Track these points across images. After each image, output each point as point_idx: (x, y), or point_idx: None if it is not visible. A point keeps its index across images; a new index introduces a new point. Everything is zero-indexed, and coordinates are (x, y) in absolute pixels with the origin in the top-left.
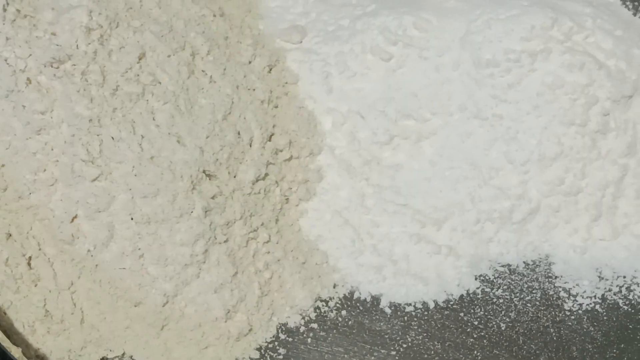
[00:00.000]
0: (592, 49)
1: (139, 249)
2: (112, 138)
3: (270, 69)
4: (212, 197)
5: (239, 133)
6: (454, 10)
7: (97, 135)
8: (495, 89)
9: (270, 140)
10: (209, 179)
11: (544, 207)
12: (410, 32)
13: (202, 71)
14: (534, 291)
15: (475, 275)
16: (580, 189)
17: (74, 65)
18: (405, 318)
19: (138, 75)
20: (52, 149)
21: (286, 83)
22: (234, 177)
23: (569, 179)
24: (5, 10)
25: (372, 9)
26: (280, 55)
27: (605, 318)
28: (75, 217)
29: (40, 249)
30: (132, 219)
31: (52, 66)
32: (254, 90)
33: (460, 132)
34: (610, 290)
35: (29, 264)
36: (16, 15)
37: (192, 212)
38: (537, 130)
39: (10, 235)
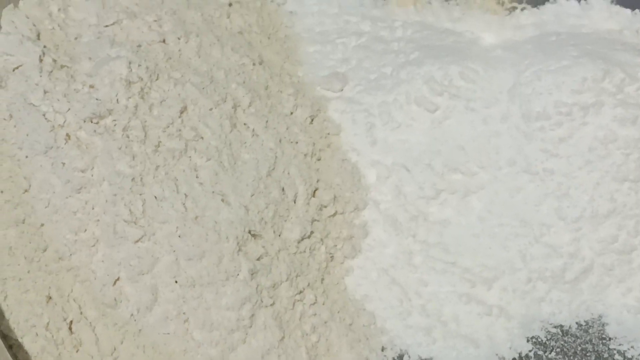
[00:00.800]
0: None
1: (184, 313)
2: (155, 197)
3: (312, 120)
4: (258, 259)
5: (283, 189)
6: (501, 60)
7: (140, 194)
8: (546, 143)
9: (314, 195)
10: (254, 239)
11: (597, 266)
12: (457, 82)
13: (244, 124)
14: (588, 354)
15: (527, 337)
16: (634, 247)
17: (115, 120)
18: None
19: (180, 130)
20: (93, 208)
21: (328, 134)
22: (279, 235)
23: (622, 237)
24: (41, 60)
25: (416, 57)
26: (321, 105)
27: None
28: (118, 279)
29: (81, 313)
30: (176, 281)
31: (92, 121)
32: (296, 143)
33: (509, 187)
34: None
35: (70, 328)
36: (53, 66)
37: (238, 274)
38: (589, 186)
39: (51, 298)
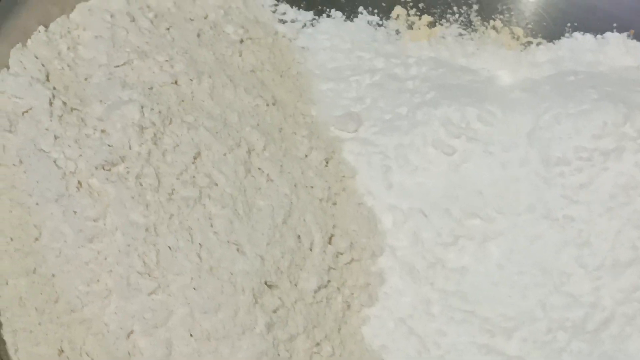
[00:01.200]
0: None
1: None
2: (170, 248)
3: (327, 162)
4: (275, 311)
5: (299, 237)
6: (519, 102)
7: (154, 244)
8: (566, 189)
9: (330, 242)
10: (271, 290)
11: (619, 316)
12: (474, 125)
13: (259, 169)
14: None
15: None
16: None
17: (128, 168)
18: None
19: (194, 177)
20: (106, 259)
21: (343, 177)
22: (295, 285)
23: None
24: (51, 104)
25: (432, 97)
26: (336, 146)
27: None
28: (131, 332)
29: None
30: (191, 335)
31: (104, 169)
32: (312, 187)
33: (528, 234)
34: None
35: None
36: (63, 110)
37: (254, 327)
38: (611, 233)
39: (63, 351)
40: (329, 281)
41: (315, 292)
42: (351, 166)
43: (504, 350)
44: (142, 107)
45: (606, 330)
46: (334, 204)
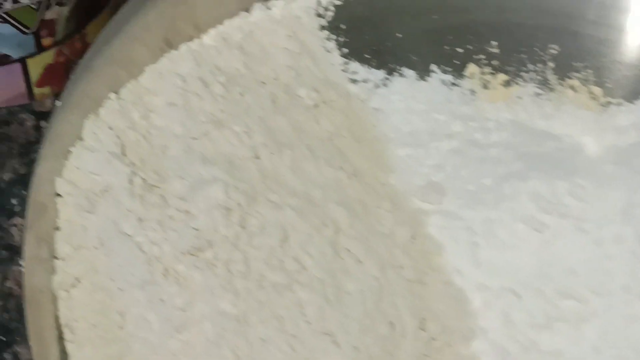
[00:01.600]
0: None
1: None
2: (261, 339)
3: (413, 239)
4: None
5: (391, 323)
6: (611, 176)
7: (244, 335)
8: None
9: (421, 327)
10: None
11: None
12: (566, 200)
13: (346, 249)
14: None
15: None
16: None
17: (215, 253)
18: None
19: (282, 261)
20: (195, 349)
21: (430, 254)
22: None
23: None
24: (131, 182)
25: (519, 168)
26: (420, 220)
27: None
28: None
29: None
30: None
31: (190, 254)
32: (401, 267)
33: (624, 315)
34: None
35: None
36: (144, 188)
37: None
38: None
39: None
40: None
41: None
42: (437, 242)
43: None
44: (226, 186)
45: None
46: (423, 284)
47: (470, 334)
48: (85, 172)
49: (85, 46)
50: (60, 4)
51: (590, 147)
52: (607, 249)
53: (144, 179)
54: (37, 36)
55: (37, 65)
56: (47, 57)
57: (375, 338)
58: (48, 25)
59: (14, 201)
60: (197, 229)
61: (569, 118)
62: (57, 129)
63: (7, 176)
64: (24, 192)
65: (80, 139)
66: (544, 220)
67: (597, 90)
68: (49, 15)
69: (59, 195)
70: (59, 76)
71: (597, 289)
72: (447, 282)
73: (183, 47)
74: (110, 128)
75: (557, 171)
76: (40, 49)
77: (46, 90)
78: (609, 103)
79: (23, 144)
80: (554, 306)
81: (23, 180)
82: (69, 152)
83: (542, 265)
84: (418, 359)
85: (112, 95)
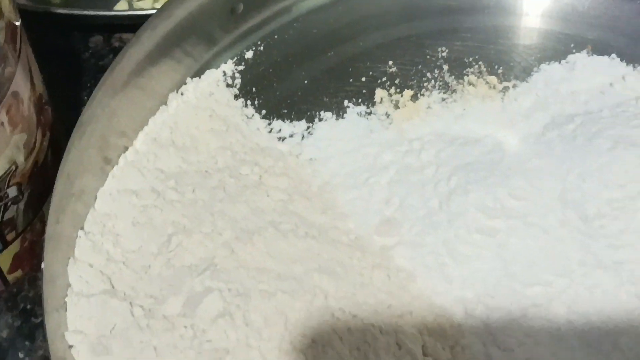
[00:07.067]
0: None
1: None
2: None
3: (389, 276)
4: None
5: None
6: (540, 169)
7: None
8: (609, 238)
9: (425, 354)
10: None
11: None
12: (508, 203)
13: (341, 310)
14: None
15: None
16: None
17: (234, 358)
18: None
19: (291, 342)
20: None
21: (406, 284)
22: None
23: None
24: (133, 315)
25: (456, 183)
26: (387, 256)
27: None
28: None
29: None
30: None
31: None
32: (389, 307)
33: (587, 286)
34: None
35: None
36: (147, 317)
37: None
38: None
39: None
40: None
41: None
42: (409, 271)
43: None
44: (220, 292)
45: None
46: (411, 313)
47: (461, 339)
48: (87, 318)
49: (44, 224)
50: (15, 202)
51: (510, 144)
52: (556, 233)
53: (141, 306)
54: (1, 235)
55: (6, 259)
56: (14, 248)
57: None
58: (9, 224)
59: (21, 354)
60: (210, 341)
61: (478, 113)
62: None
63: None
64: (26, 342)
65: (69, 285)
66: (495, 225)
67: (492, 79)
68: (8, 215)
69: (72, 346)
70: (27, 258)
71: (557, 270)
72: (429, 304)
73: (121, 160)
74: (91, 266)
75: (493, 178)
76: (5, 244)
77: (18, 274)
78: (506, 88)
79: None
80: (524, 296)
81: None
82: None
83: (505, 264)
84: None
85: (80, 233)
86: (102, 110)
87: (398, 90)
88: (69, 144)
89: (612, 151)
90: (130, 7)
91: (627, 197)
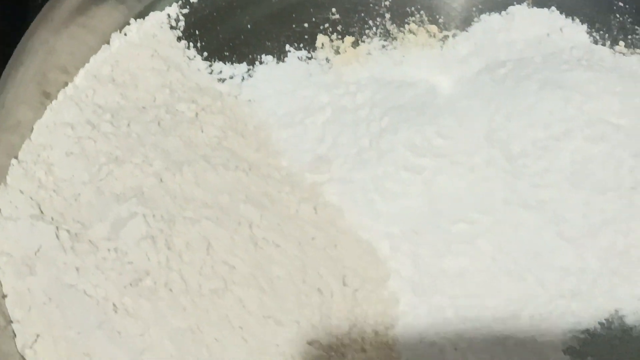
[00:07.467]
0: (605, 114)
1: None
2: (216, 340)
3: (316, 210)
4: None
5: (319, 290)
6: (469, 109)
7: (201, 341)
8: (532, 177)
9: (345, 283)
10: (313, 347)
11: (605, 272)
12: (436, 141)
13: (264, 239)
14: (616, 347)
15: (563, 350)
16: (631, 245)
17: (154, 279)
18: None
19: (213, 267)
20: None
21: (334, 219)
22: (331, 333)
23: (619, 240)
24: (59, 238)
25: (388, 122)
26: (317, 192)
27: None
28: None
29: None
30: None
31: (132, 286)
32: (313, 239)
33: (511, 224)
34: None
35: None
36: (72, 240)
37: None
38: (580, 204)
39: None
40: (356, 319)
41: (349, 332)
42: (337, 207)
43: (518, 327)
44: (144, 217)
45: (597, 287)
46: (335, 246)
47: (386, 277)
48: (13, 240)
49: None
50: None
51: (443, 87)
52: (481, 172)
53: (68, 231)
54: None
55: None
56: None
57: (311, 307)
58: None
59: None
60: (131, 263)
61: (417, 60)
62: None
63: None
64: None
65: None
66: (422, 163)
67: (433, 28)
68: None
69: None
70: None
71: (482, 208)
72: (355, 240)
73: (60, 95)
74: (22, 192)
75: (422, 117)
76: None
77: None
78: (446, 37)
79: None
80: (450, 233)
81: None
82: None
83: (431, 201)
84: (349, 312)
85: (14, 161)
86: (40, 45)
87: (339, 36)
88: (3, 75)
89: (538, 93)
90: None
91: (551, 137)
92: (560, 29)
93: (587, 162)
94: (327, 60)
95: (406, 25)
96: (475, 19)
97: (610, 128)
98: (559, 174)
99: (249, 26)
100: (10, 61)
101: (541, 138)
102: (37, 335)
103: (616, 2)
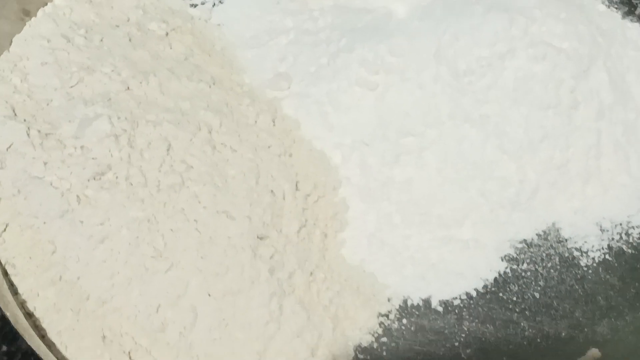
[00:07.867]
0: (548, 36)
1: (223, 319)
2: (171, 230)
3: (274, 122)
4: (271, 257)
5: (272, 191)
6: (420, 29)
7: (157, 231)
8: (477, 94)
9: (297, 188)
10: (263, 241)
11: (543, 184)
12: (388, 59)
13: (222, 144)
14: (552, 257)
15: (501, 257)
16: (568, 160)
17: (115, 173)
18: (456, 311)
19: (172, 165)
20: (119, 253)
21: (290, 130)
22: (281, 232)
23: (557, 155)
24: (29, 135)
25: (345, 43)
26: (276, 105)
27: (616, 265)
28: (159, 306)
29: (136, 343)
30: (209, 296)
31: (95, 179)
32: (269, 147)
33: (455, 137)
34: (613, 239)
35: (130, 357)
36: (41, 138)
37: (259, 276)
38: (521, 120)
39: (105, 337)
40: (306, 220)
41: (298, 232)
42: (294, 119)
43: (460, 236)
44: (109, 117)
45: (536, 198)
46: (290, 155)
47: (337, 184)
48: None
49: None
50: None
51: (399, 11)
52: (429, 88)
53: (38, 130)
54: None
55: None
56: None
57: (263, 206)
58: None
59: None
60: (95, 158)
61: None
62: None
63: None
64: None
65: None
66: (374, 79)
67: None
68: None
69: None
70: None
71: (428, 122)
72: (309, 149)
73: (40, 13)
74: None
75: (376, 37)
76: None
77: None
78: None
79: None
80: (398, 145)
81: None
82: None
83: (381, 115)
84: (299, 214)
85: None
86: None
87: None
88: None
89: (485, 14)
90: None
91: (495, 56)
92: None
93: (528, 80)
94: None
95: None
96: None
97: (553, 50)
98: (502, 91)
99: None
100: None
101: (486, 56)
102: (5, 224)
103: None
